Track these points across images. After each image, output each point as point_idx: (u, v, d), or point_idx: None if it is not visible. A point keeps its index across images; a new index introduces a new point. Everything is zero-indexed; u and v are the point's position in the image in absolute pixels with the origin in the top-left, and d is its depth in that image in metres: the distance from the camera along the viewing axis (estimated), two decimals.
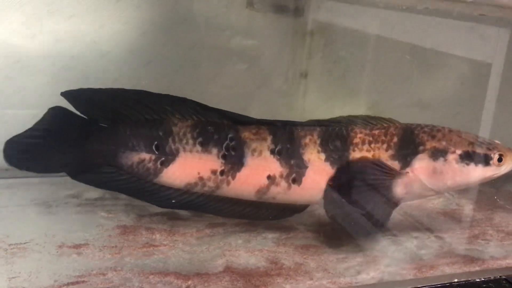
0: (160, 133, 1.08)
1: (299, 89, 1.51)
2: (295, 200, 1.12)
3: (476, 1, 1.34)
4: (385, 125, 1.12)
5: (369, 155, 1.08)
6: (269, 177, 1.08)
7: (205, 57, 1.41)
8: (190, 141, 1.07)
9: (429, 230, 1.24)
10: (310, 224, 1.20)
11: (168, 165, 1.08)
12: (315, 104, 1.53)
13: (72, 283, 0.89)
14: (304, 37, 1.46)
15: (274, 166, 1.08)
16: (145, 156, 1.08)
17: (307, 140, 1.09)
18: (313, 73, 1.50)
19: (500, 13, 1.42)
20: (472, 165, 1.09)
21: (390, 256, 1.10)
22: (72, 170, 1.10)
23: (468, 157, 1.09)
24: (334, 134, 1.09)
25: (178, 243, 1.07)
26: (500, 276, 1.07)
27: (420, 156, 1.09)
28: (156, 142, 1.08)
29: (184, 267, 0.98)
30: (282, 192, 1.09)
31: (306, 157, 1.08)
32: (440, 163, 1.09)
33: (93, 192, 1.22)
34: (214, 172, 1.08)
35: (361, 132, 1.10)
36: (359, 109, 1.29)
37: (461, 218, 1.33)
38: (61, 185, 1.11)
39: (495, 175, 1.11)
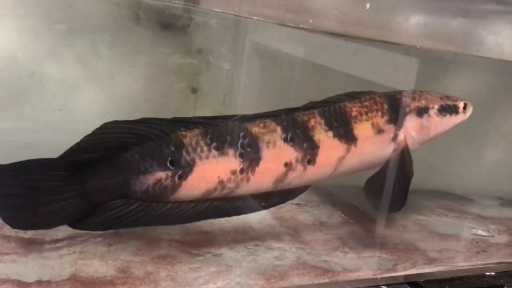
0: (172, 148, 1.07)
1: (189, 104, 1.55)
2: (309, 181, 1.20)
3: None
4: (368, 96, 1.25)
5: (369, 123, 1.21)
6: (286, 164, 1.14)
7: (93, 71, 1.44)
8: (205, 148, 1.08)
9: (293, 241, 1.29)
10: (176, 234, 1.23)
11: (187, 177, 1.07)
12: None
13: None
14: (191, 55, 1.51)
15: (289, 153, 1.15)
16: (161, 174, 1.07)
17: (312, 123, 1.17)
18: (202, 89, 1.55)
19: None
20: (448, 116, 1.30)
21: (244, 267, 1.14)
22: (73, 219, 1.05)
23: (444, 109, 1.29)
24: (334, 112, 1.20)
25: (33, 252, 1.08)
26: None
27: (408, 116, 1.26)
28: (170, 158, 1.07)
29: (28, 275, 0.99)
30: (298, 176, 1.16)
31: (316, 137, 1.17)
32: (424, 119, 1.27)
33: None
34: (233, 172, 1.10)
35: (354, 106, 1.22)
36: None
37: (328, 230, 1.38)
38: None
39: (463, 121, 1.32)
